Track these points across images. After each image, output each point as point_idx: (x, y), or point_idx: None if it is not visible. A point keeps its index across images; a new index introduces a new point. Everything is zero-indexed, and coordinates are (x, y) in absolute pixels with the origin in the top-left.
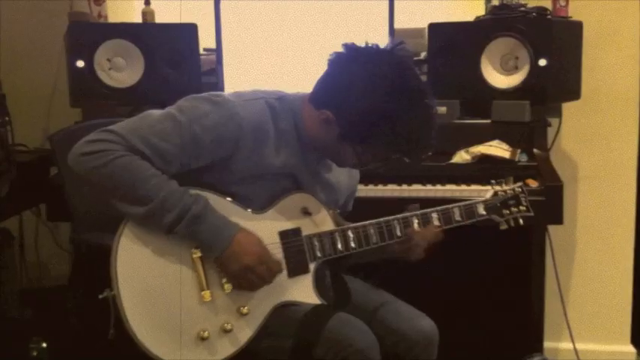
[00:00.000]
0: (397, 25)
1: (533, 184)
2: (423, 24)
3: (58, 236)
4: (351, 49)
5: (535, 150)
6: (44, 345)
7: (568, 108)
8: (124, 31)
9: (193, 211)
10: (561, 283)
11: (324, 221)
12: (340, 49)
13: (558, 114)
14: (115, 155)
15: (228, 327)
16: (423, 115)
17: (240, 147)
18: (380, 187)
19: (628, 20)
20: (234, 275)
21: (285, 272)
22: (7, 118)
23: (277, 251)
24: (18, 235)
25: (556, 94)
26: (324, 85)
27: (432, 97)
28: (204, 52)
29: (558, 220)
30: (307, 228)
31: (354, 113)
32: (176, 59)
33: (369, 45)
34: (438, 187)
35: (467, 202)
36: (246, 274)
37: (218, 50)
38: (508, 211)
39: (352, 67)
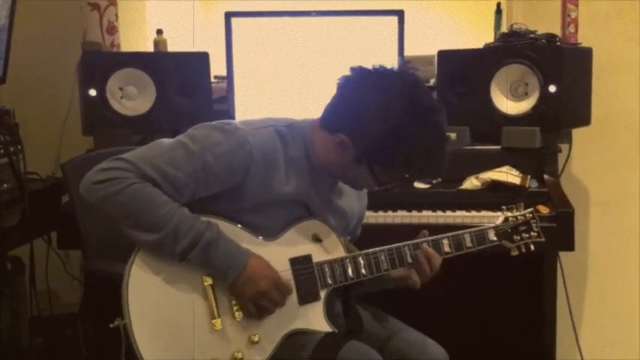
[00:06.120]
0: (407, 53)
1: (544, 210)
2: (433, 51)
3: (69, 264)
4: (359, 72)
5: (545, 176)
6: None
7: (578, 134)
8: (136, 60)
9: (206, 237)
10: (573, 310)
11: (334, 248)
12: (348, 75)
13: (568, 140)
14: (126, 183)
15: (239, 356)
16: (436, 131)
17: (251, 175)
18: (390, 213)
19: (637, 46)
20: (247, 301)
21: (295, 300)
22: (19, 147)
23: (288, 278)
24: (29, 263)
25: (566, 120)
26: (336, 109)
27: (443, 114)
28: (215, 80)
29: (569, 246)
30: (318, 255)
31: (369, 135)
32: (187, 87)
33: (377, 67)
34: (448, 213)
35: (478, 228)
36: (259, 299)
37: (229, 78)
38: (519, 237)
39: (363, 90)
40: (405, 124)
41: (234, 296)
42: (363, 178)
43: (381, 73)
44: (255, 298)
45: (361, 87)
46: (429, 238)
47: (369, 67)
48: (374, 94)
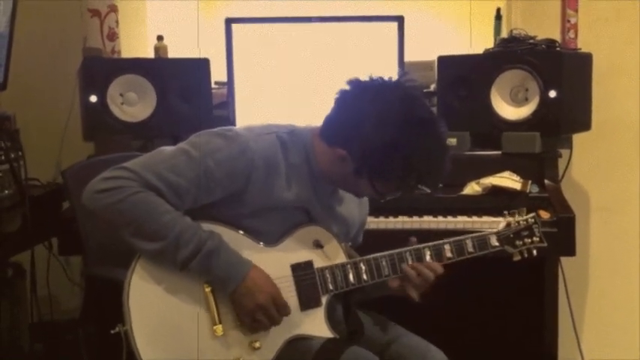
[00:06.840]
0: (407, 58)
1: (544, 215)
2: (433, 57)
3: (69, 270)
4: (357, 85)
5: (546, 181)
6: None
7: (578, 139)
8: (137, 66)
9: (208, 246)
10: (574, 314)
11: (336, 254)
12: (346, 86)
13: (569, 145)
14: (129, 192)
15: None
16: (435, 144)
17: (252, 181)
18: (391, 219)
19: (637, 51)
20: (244, 313)
21: (297, 305)
22: (20, 153)
23: (289, 284)
24: (29, 269)
25: (566, 126)
26: (335, 123)
27: (443, 125)
28: (216, 86)
29: (570, 251)
30: (319, 261)
31: (367, 149)
32: (188, 93)
33: (375, 79)
34: (450, 218)
35: (480, 234)
36: (256, 312)
37: (229, 84)
38: (521, 242)
39: (361, 104)
40: (404, 136)
41: (232, 306)
42: (363, 188)
43: (379, 85)
44: (252, 311)
45: (359, 100)
46: (431, 243)
47: (367, 78)
48: (370, 108)
